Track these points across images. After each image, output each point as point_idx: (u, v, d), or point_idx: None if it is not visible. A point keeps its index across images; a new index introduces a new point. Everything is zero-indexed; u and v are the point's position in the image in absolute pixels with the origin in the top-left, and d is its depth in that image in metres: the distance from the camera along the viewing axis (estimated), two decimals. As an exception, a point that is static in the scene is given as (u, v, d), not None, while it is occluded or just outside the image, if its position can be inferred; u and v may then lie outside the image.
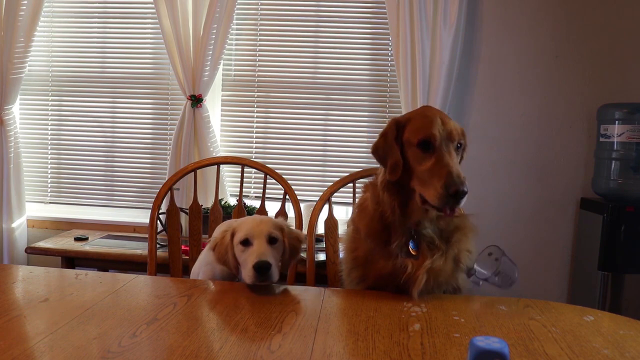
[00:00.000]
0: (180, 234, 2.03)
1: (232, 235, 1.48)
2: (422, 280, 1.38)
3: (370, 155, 2.74)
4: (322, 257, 2.29)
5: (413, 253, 1.40)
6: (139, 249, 2.70)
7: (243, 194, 2.12)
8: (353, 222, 1.55)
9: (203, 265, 1.66)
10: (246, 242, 1.43)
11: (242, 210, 2.05)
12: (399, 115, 1.50)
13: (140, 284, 1.47)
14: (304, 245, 1.59)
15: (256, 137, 3.18)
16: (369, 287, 1.50)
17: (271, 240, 1.44)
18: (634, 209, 2.60)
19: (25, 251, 2.80)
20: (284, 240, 1.49)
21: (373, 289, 1.48)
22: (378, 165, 1.51)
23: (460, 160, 1.40)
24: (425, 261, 1.38)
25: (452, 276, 1.47)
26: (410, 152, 1.35)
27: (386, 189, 1.40)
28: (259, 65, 3.16)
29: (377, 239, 1.44)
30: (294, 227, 1.64)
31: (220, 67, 3.06)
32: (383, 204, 1.42)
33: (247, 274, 1.40)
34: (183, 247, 2.07)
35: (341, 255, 1.87)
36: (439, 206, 1.28)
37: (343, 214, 2.89)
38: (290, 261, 1.54)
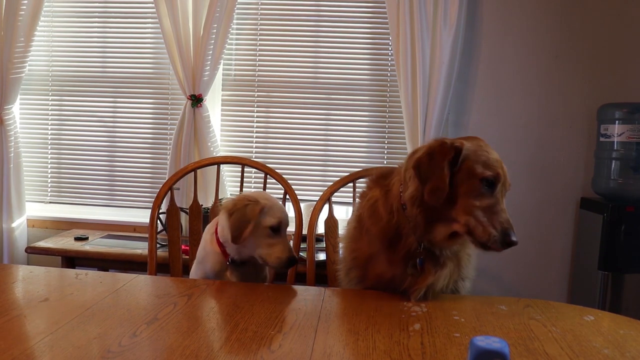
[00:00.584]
0: (180, 233, 2.02)
1: (261, 211, 1.49)
2: (420, 292, 1.38)
3: (370, 154, 2.78)
4: (322, 256, 2.30)
5: (417, 269, 1.39)
6: (139, 248, 2.70)
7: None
8: (359, 221, 1.51)
9: (196, 262, 1.67)
10: (276, 230, 1.50)
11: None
12: (451, 138, 1.41)
13: (140, 283, 1.47)
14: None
15: (256, 137, 3.18)
16: (367, 288, 1.50)
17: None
18: (634, 209, 2.60)
19: (26, 251, 2.80)
20: None
21: (370, 289, 1.49)
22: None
23: None
24: (429, 278, 1.38)
25: (451, 280, 1.47)
26: (469, 184, 1.29)
27: (417, 205, 1.34)
28: (259, 65, 3.16)
29: (386, 244, 1.41)
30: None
31: (221, 66, 3.05)
32: (399, 213, 1.39)
33: (276, 259, 1.50)
34: (183, 247, 2.07)
35: (340, 253, 1.88)
36: (487, 245, 1.28)
37: (343, 213, 2.89)
38: None
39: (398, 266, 1.40)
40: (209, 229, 1.66)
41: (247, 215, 1.48)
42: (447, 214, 1.32)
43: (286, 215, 1.55)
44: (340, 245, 1.61)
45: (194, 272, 1.67)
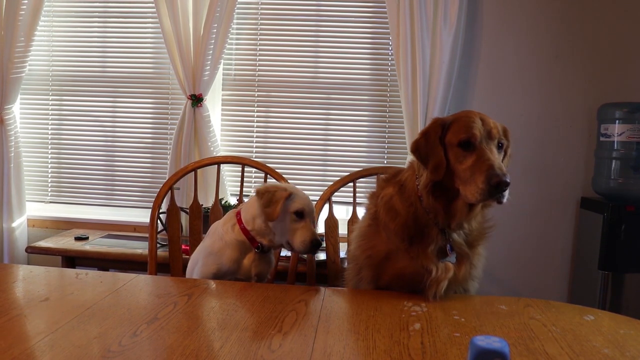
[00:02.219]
0: (180, 233, 2.03)
1: (288, 197, 1.61)
2: (443, 287, 1.39)
3: (370, 154, 2.77)
4: (322, 256, 2.29)
5: (449, 254, 1.41)
6: (139, 248, 2.70)
7: (243, 193, 2.12)
8: (374, 219, 1.51)
9: (205, 255, 1.67)
10: (300, 215, 1.61)
11: (242, 209, 2.05)
12: (442, 116, 1.50)
13: (140, 283, 1.47)
14: None
15: (256, 137, 3.18)
16: (379, 287, 1.49)
17: (312, 220, 1.66)
18: (634, 209, 2.60)
19: (26, 251, 2.80)
20: None
21: (382, 289, 1.48)
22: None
23: (503, 158, 1.40)
24: (451, 269, 1.40)
25: (465, 279, 1.48)
26: (452, 153, 1.35)
27: (431, 192, 1.38)
28: (260, 65, 3.16)
29: (407, 239, 1.42)
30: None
31: (221, 66, 3.05)
32: (417, 204, 1.41)
33: (301, 243, 1.61)
34: (183, 247, 2.07)
35: (343, 254, 1.87)
36: (481, 201, 1.30)
37: (343, 213, 2.89)
38: None
39: (422, 260, 1.40)
40: (226, 221, 1.70)
41: (276, 196, 1.61)
42: (456, 191, 1.36)
43: (311, 203, 1.66)
44: (351, 245, 1.61)
45: (204, 265, 1.67)
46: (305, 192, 3.06)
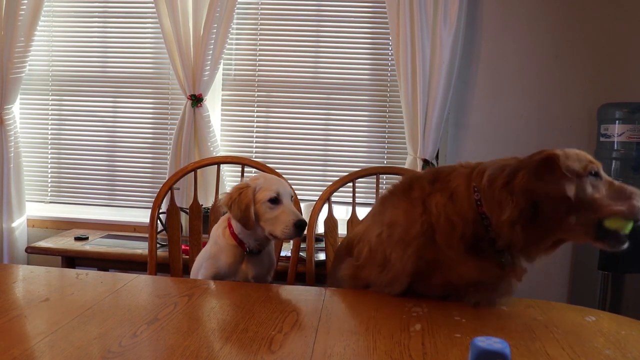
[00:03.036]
0: (180, 233, 2.03)
1: (254, 193, 1.53)
2: (491, 297, 1.38)
3: (370, 154, 2.74)
4: (321, 256, 2.29)
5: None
6: (139, 248, 2.70)
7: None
8: (431, 229, 1.39)
9: (206, 259, 1.67)
10: (275, 201, 1.53)
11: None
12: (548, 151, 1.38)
13: (140, 283, 1.47)
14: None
15: (256, 137, 3.18)
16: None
17: (291, 199, 1.59)
18: (635, 209, 2.59)
19: (26, 251, 2.80)
20: None
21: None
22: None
23: None
24: (506, 282, 1.39)
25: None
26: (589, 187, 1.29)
27: (521, 227, 1.27)
28: (260, 65, 3.15)
29: (462, 252, 1.36)
30: None
31: (221, 66, 3.05)
32: (478, 224, 1.34)
33: (282, 230, 1.52)
34: (183, 247, 2.07)
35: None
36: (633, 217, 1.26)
37: (343, 213, 2.88)
38: None
39: (483, 273, 1.36)
40: (219, 225, 1.68)
41: (243, 201, 1.53)
42: (563, 224, 1.28)
43: (284, 185, 1.58)
44: (388, 249, 1.44)
45: (204, 269, 1.66)
46: (305, 192, 3.09)
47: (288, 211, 1.53)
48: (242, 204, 1.53)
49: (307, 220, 1.57)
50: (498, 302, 1.41)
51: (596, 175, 1.29)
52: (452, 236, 1.36)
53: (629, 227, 1.26)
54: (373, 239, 1.49)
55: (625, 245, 1.27)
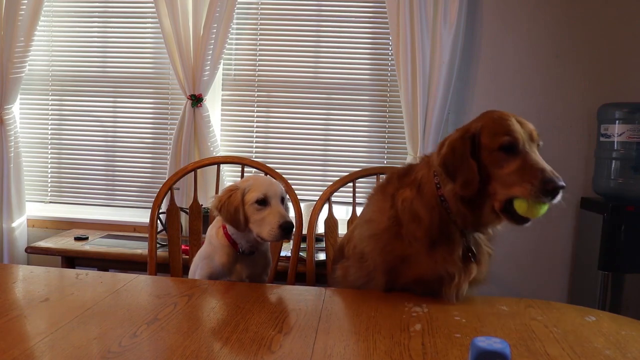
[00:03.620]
0: (180, 233, 2.02)
1: (242, 194, 1.52)
2: (464, 289, 1.38)
3: (370, 154, 2.76)
4: (322, 256, 2.29)
5: (474, 260, 1.38)
6: (139, 248, 2.70)
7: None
8: (397, 224, 1.42)
9: (202, 258, 1.67)
10: (263, 202, 1.51)
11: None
12: (464, 125, 1.40)
13: (140, 283, 1.47)
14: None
15: (256, 137, 3.18)
16: (393, 290, 1.46)
17: (282, 201, 1.56)
18: (634, 209, 2.60)
19: (26, 251, 2.80)
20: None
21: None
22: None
23: None
24: (473, 269, 1.38)
25: (486, 279, 1.47)
26: (491, 158, 1.29)
27: (461, 201, 1.32)
28: (259, 65, 3.15)
29: (430, 243, 1.38)
30: None
31: (221, 66, 3.05)
32: (439, 208, 1.36)
33: (269, 232, 1.50)
34: (183, 247, 2.07)
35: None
36: (534, 200, 1.22)
37: (343, 213, 2.88)
38: None
39: (447, 264, 1.37)
40: (214, 225, 1.68)
41: (232, 204, 1.52)
42: (487, 193, 1.31)
43: (273, 186, 1.56)
44: (360, 244, 1.50)
45: (200, 269, 1.66)
46: (305, 192, 3.09)
47: (274, 212, 1.51)
48: (231, 206, 1.52)
49: (293, 222, 1.55)
50: (476, 292, 1.45)
51: (508, 149, 1.27)
52: (417, 229, 1.39)
53: (538, 210, 1.24)
54: (355, 238, 1.54)
55: (526, 224, 1.28)
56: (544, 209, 1.25)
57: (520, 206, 1.26)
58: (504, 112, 1.35)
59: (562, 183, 1.20)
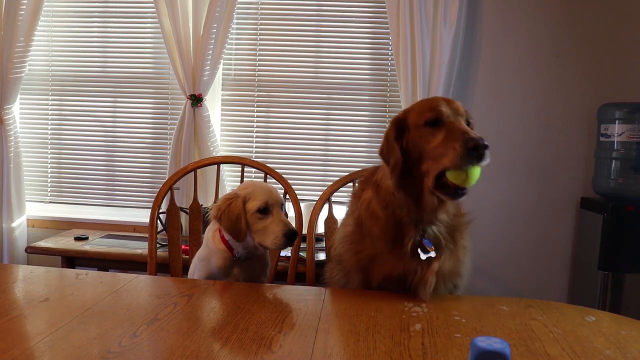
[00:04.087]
0: (180, 233, 2.03)
1: (244, 202, 1.51)
2: (432, 283, 1.38)
3: (370, 154, 2.75)
4: (322, 256, 2.29)
5: (429, 250, 1.38)
6: (139, 248, 2.70)
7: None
8: (359, 224, 1.49)
9: (200, 260, 1.67)
10: (264, 211, 1.49)
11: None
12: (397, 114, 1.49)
13: (140, 283, 1.47)
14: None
15: (256, 137, 3.18)
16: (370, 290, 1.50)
17: (281, 207, 1.56)
18: (634, 209, 2.60)
19: (26, 251, 2.80)
20: None
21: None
22: (378, 165, 1.52)
23: None
24: (434, 263, 1.38)
25: (454, 274, 1.47)
26: (419, 134, 1.33)
27: (400, 188, 1.37)
28: (259, 65, 3.15)
29: (391, 241, 1.41)
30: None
31: (221, 66, 3.05)
32: (393, 204, 1.40)
33: (273, 241, 1.49)
34: (183, 247, 2.07)
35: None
36: (461, 164, 1.23)
37: (343, 213, 2.88)
38: None
39: (406, 261, 1.39)
40: (211, 227, 1.67)
41: (233, 212, 1.50)
42: (422, 175, 1.34)
43: (274, 194, 1.55)
44: (337, 247, 1.57)
45: (198, 270, 1.66)
46: (305, 192, 3.09)
47: (277, 221, 1.51)
48: (232, 214, 1.51)
49: (297, 229, 1.56)
50: (448, 285, 1.46)
51: (434, 124, 1.31)
52: (374, 228, 1.43)
53: (470, 176, 1.24)
54: (335, 240, 1.61)
55: (462, 197, 1.29)
56: (475, 173, 1.25)
57: (451, 176, 1.26)
58: (433, 97, 1.43)
59: (484, 142, 1.22)
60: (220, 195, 2.45)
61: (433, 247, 1.39)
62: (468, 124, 1.36)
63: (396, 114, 1.45)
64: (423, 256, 1.37)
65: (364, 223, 1.47)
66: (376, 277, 1.46)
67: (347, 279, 1.53)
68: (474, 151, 1.21)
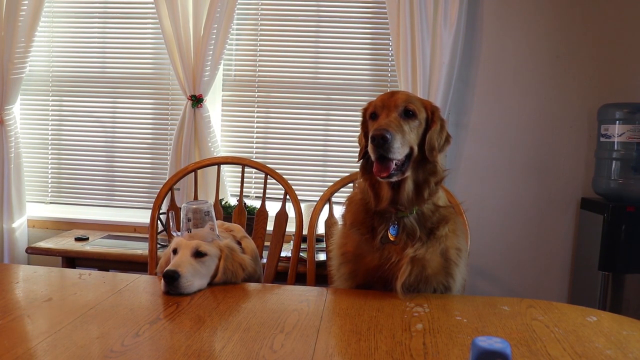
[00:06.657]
0: (181, 234, 2.02)
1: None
2: (406, 271, 1.40)
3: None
4: (322, 257, 2.30)
5: (392, 239, 1.42)
6: (139, 249, 2.70)
7: (243, 194, 2.12)
8: (342, 216, 1.59)
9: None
10: (175, 252, 1.47)
11: (242, 210, 2.05)
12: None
13: (143, 283, 1.47)
14: (246, 273, 1.53)
15: (256, 137, 3.18)
16: (359, 285, 1.51)
17: (198, 254, 1.44)
18: (635, 209, 2.60)
19: (26, 251, 2.80)
20: (220, 259, 1.48)
21: (363, 287, 1.49)
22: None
23: (427, 132, 1.43)
24: (407, 249, 1.41)
25: (441, 273, 1.46)
26: (369, 127, 1.45)
27: (361, 174, 1.48)
28: (260, 65, 3.16)
29: (362, 228, 1.48)
30: (251, 249, 1.62)
31: (221, 67, 3.05)
32: (365, 192, 1.48)
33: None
34: (184, 247, 2.07)
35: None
36: (371, 154, 1.35)
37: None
38: (226, 281, 1.49)
39: (380, 248, 1.44)
40: None
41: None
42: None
43: (187, 239, 1.47)
44: (332, 243, 1.63)
45: None
46: (306, 192, 3.10)
47: (170, 261, 1.45)
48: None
49: (174, 270, 1.38)
50: (435, 285, 1.47)
51: (374, 117, 1.44)
52: (354, 225, 1.50)
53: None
54: (333, 242, 1.66)
55: (386, 179, 1.38)
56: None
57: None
58: (388, 91, 1.55)
59: (384, 133, 1.31)
60: (220, 196, 2.46)
61: (394, 235, 1.43)
62: (408, 112, 1.41)
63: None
64: (383, 242, 1.44)
65: (345, 217, 1.56)
66: (362, 271, 1.49)
67: (340, 274, 1.57)
68: (373, 142, 1.33)
